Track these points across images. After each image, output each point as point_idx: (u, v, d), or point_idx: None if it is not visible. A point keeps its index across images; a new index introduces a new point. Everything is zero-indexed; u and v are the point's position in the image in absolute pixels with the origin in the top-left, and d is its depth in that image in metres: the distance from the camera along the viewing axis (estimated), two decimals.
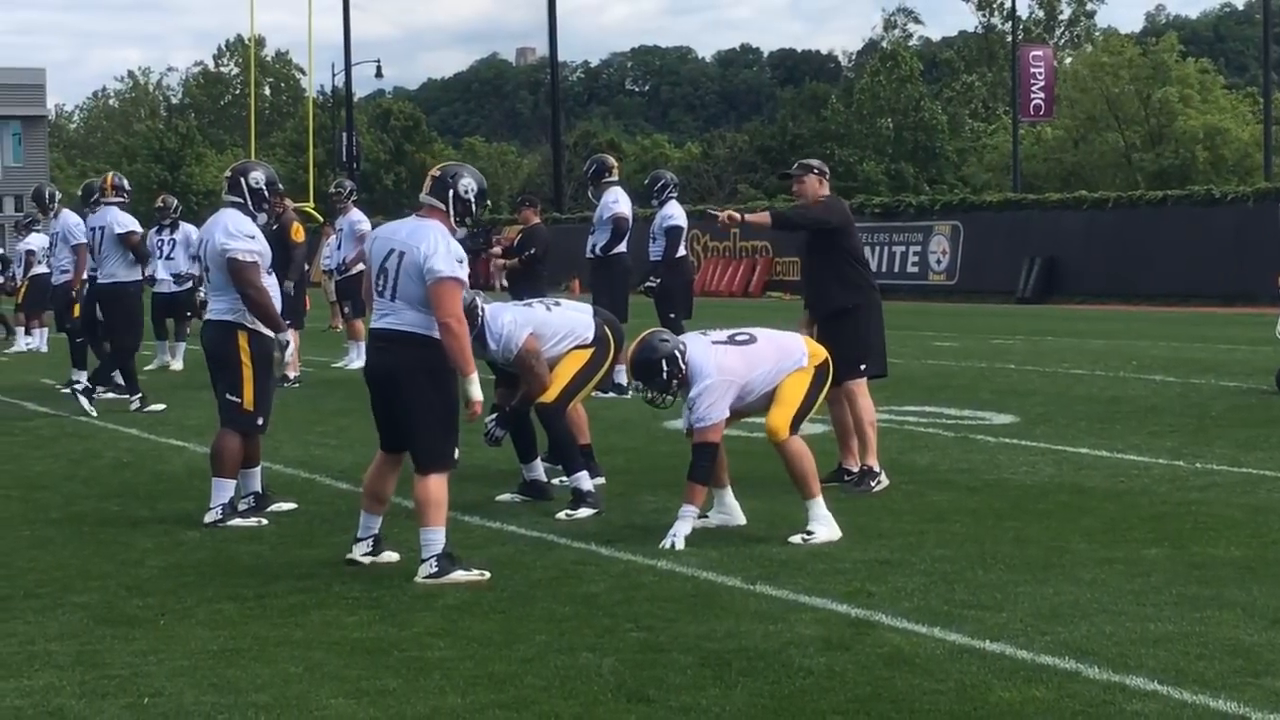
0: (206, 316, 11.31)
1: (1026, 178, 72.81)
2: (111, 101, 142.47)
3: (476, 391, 8.86)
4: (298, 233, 20.89)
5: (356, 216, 23.37)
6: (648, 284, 19.39)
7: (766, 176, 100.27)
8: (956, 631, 7.53)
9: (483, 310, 11.09)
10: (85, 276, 19.25)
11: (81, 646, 7.50)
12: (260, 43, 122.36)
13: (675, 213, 19.53)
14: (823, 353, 10.44)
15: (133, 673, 7.02)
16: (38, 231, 29.42)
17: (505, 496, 10.33)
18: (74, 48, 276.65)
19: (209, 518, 10.60)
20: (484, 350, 10.98)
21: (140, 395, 17.80)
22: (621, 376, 18.63)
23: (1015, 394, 18.40)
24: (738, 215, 12.17)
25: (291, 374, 20.69)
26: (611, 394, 18.45)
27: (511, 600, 8.32)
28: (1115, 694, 6.50)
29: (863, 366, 12.10)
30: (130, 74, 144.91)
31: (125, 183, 19.85)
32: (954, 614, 7.89)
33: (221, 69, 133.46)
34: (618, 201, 19.07)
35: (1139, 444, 14.06)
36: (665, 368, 9.96)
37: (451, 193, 9.07)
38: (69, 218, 20.20)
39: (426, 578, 8.73)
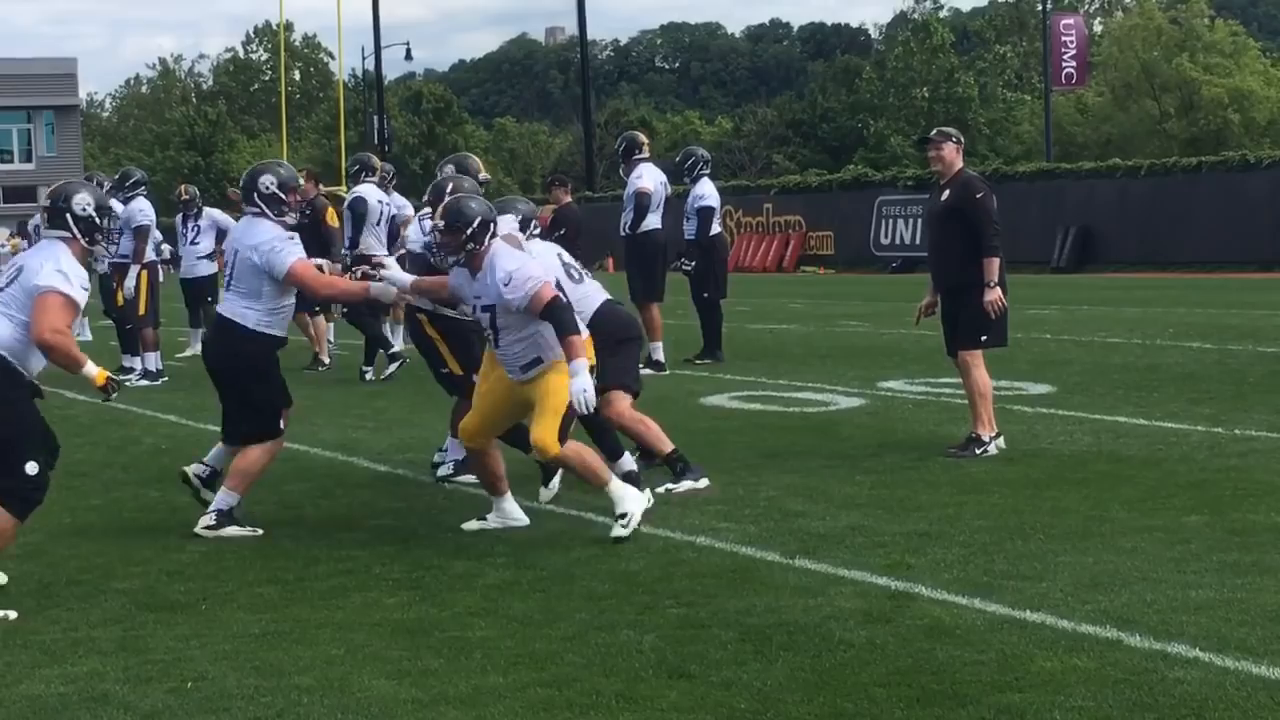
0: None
1: (1066, 145, 72.65)
2: (143, 89, 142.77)
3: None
4: (332, 217, 20.91)
5: (400, 201, 23.24)
6: (683, 266, 19.38)
7: (799, 150, 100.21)
8: (997, 602, 7.52)
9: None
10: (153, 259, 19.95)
11: (124, 632, 7.53)
12: (289, 28, 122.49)
13: (707, 192, 19.52)
14: (591, 356, 9.43)
15: (175, 657, 7.05)
16: None
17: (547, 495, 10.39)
18: (107, 36, 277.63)
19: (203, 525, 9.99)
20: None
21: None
22: (659, 353, 18.67)
23: (1052, 364, 18.36)
24: (996, 299, 11.93)
25: (325, 359, 20.84)
26: (649, 371, 18.46)
27: (551, 579, 8.34)
28: (1157, 662, 6.49)
29: (983, 338, 12.10)
30: (161, 61, 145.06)
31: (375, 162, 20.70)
32: (994, 584, 7.88)
33: (251, 55, 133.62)
34: (641, 177, 19.05)
35: (1177, 411, 14.01)
36: (473, 229, 9.28)
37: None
38: (115, 206, 20.30)
39: (204, 528, 9.67)
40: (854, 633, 7.07)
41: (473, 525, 9.71)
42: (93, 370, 8.23)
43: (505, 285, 9.20)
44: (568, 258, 11.05)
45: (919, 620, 7.24)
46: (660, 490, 10.39)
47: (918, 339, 20.47)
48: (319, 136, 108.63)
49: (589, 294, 10.89)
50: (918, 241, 47.38)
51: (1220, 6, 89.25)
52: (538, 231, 11.06)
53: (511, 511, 9.79)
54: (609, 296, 11.03)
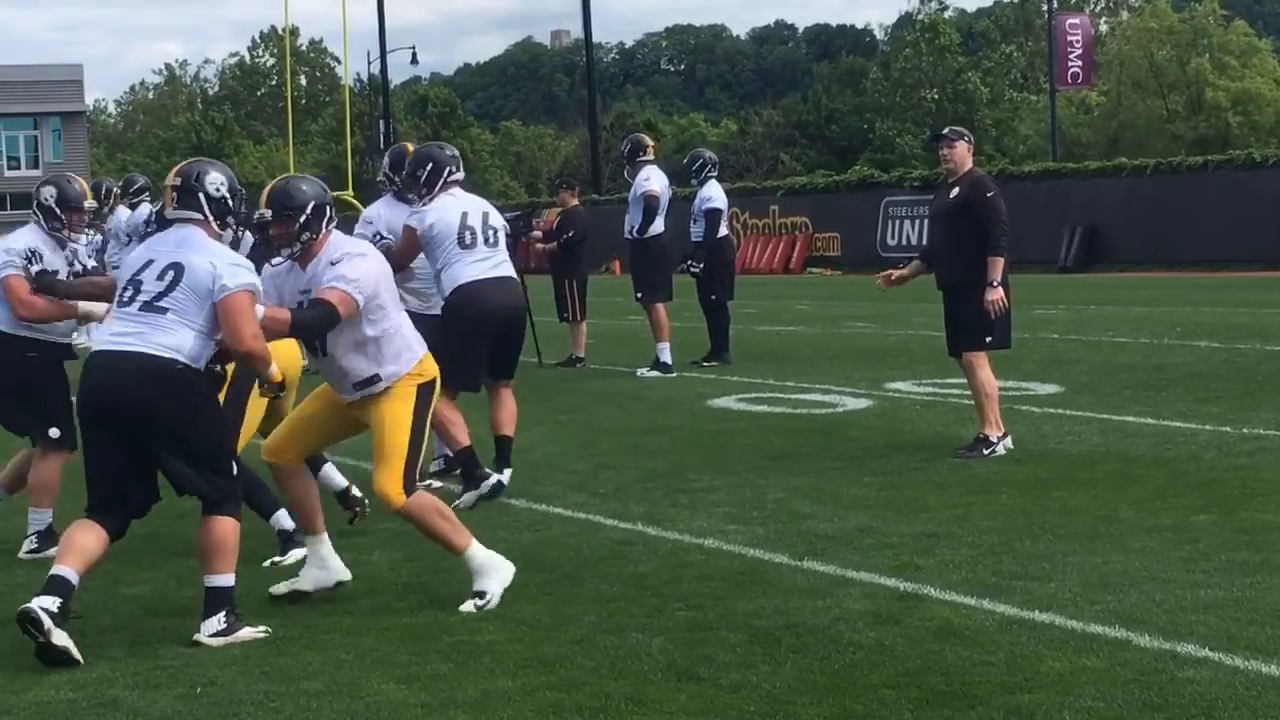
0: None
1: (1071, 146, 72.57)
2: (149, 95, 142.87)
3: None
4: None
5: None
6: (690, 268, 19.37)
7: (805, 150, 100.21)
8: (1005, 603, 7.52)
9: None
10: None
11: (133, 638, 7.54)
12: (294, 33, 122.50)
13: (714, 194, 19.53)
14: (433, 371, 8.31)
15: (185, 663, 7.06)
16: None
17: None
18: (114, 43, 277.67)
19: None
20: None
21: None
22: (666, 355, 18.66)
23: (1059, 363, 18.34)
24: (998, 299, 11.89)
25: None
26: (656, 373, 18.45)
27: (560, 582, 8.33)
28: (1166, 661, 6.48)
29: (988, 339, 12.09)
30: (167, 67, 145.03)
31: None
32: (1003, 585, 7.87)
33: (257, 60, 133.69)
34: (649, 179, 19.04)
35: (1185, 411, 14.00)
36: (306, 215, 8.01)
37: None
38: (123, 213, 20.33)
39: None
40: (863, 634, 7.07)
41: (281, 589, 8.26)
42: (275, 369, 7.71)
43: (334, 264, 7.98)
44: (476, 219, 10.79)
45: (928, 621, 7.24)
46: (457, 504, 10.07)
47: (924, 340, 20.46)
48: (325, 141, 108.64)
49: (463, 267, 10.67)
50: (924, 242, 47.26)
51: (1225, 4, 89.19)
52: (457, 176, 10.82)
53: (329, 560, 8.35)
54: (486, 276, 10.77)
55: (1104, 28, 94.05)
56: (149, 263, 7.59)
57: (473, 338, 10.77)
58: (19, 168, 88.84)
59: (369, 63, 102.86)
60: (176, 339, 7.39)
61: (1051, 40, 68.29)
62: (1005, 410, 12.52)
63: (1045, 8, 79.29)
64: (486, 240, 10.80)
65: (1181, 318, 24.99)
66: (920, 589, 7.86)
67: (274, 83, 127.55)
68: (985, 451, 11.89)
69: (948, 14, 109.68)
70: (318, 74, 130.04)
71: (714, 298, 19.53)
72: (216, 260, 7.49)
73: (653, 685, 6.45)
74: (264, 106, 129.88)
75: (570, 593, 8.09)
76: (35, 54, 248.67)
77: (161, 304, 7.43)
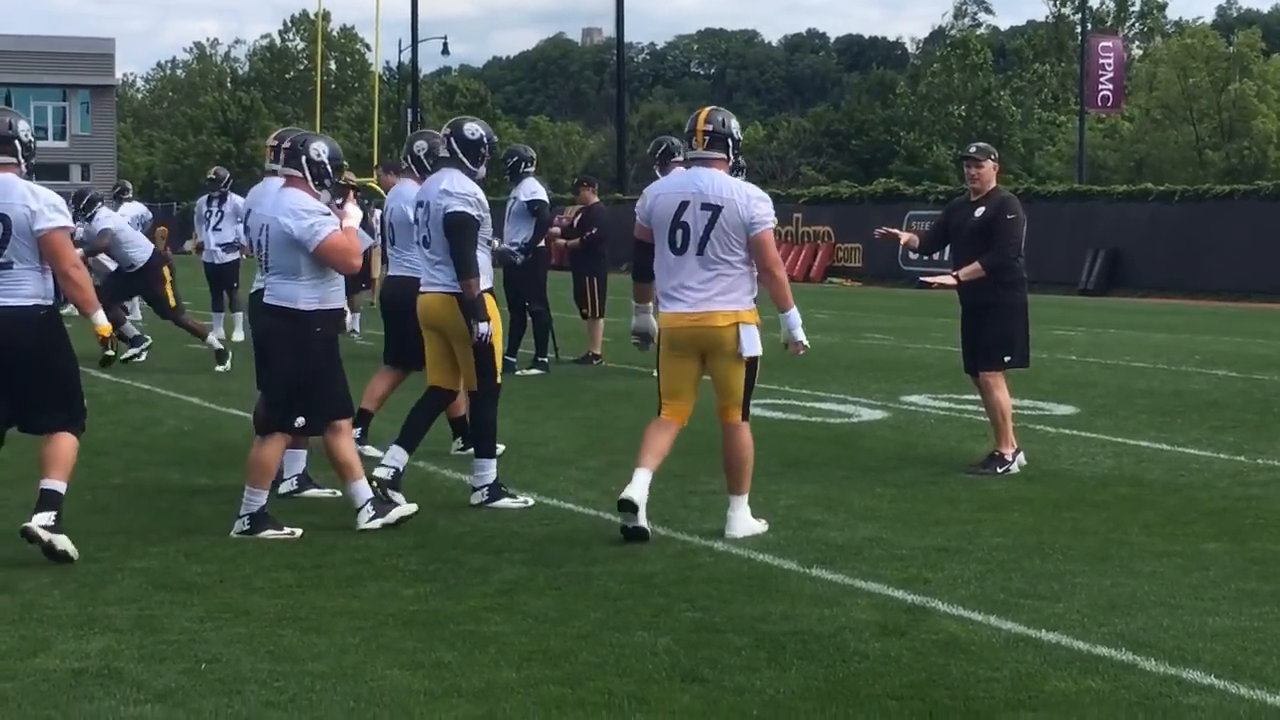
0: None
1: (1097, 169, 72.43)
2: (179, 72, 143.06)
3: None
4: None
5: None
6: None
7: (830, 160, 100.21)
8: (1013, 620, 7.51)
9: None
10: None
11: (140, 611, 7.55)
12: (326, 17, 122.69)
13: None
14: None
15: (190, 638, 7.07)
16: (129, 200, 29.50)
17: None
18: (151, 18, 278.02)
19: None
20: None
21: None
22: None
23: (1076, 385, 18.32)
24: (951, 281, 12.21)
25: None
26: None
27: (568, 577, 8.34)
28: (1172, 687, 6.47)
29: (1006, 359, 12.13)
30: (197, 45, 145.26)
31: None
32: (1010, 603, 7.86)
33: (287, 44, 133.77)
34: None
35: (1200, 438, 13.97)
36: None
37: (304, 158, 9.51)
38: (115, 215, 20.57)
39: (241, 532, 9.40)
40: (869, 644, 7.06)
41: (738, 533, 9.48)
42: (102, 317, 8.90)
43: None
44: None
45: (934, 635, 7.24)
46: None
47: (942, 355, 20.44)
48: (351, 128, 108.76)
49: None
50: (946, 257, 47.21)
51: (1248, 22, 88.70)
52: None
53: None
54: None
55: (1137, 52, 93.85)
56: None
57: None
58: (46, 139, 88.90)
59: (399, 51, 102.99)
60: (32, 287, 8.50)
61: (1083, 62, 68.16)
62: (1021, 429, 12.51)
63: (1079, 29, 79.22)
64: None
65: (1201, 345, 24.95)
66: (928, 602, 7.85)
67: (303, 66, 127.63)
68: (999, 469, 11.88)
69: (980, 31, 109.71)
70: (348, 59, 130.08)
71: None
72: (31, 202, 8.48)
73: (656, 684, 6.44)
74: (292, 89, 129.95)
75: (578, 588, 8.10)
76: (72, 27, 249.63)
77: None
